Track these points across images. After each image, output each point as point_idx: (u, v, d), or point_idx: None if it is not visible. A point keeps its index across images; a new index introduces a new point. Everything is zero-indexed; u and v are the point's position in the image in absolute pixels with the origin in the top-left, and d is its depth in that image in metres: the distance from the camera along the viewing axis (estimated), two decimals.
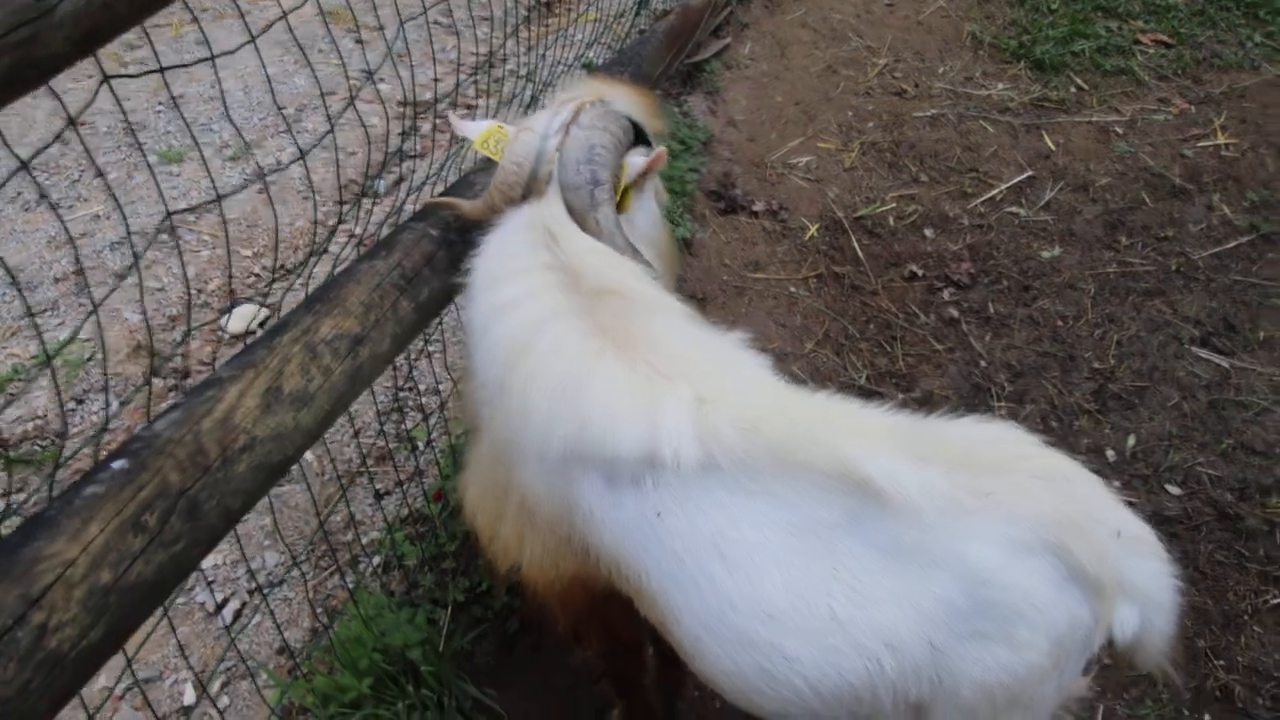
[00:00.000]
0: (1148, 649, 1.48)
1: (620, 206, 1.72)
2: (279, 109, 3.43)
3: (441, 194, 2.05)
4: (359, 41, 4.80)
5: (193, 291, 3.57)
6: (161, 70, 1.32)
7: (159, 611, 1.46)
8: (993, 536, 1.39)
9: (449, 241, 1.91)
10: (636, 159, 1.76)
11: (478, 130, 1.80)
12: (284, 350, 1.54)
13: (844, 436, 1.42)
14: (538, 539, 1.69)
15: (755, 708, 1.56)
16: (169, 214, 1.29)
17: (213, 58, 1.44)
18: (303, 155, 1.65)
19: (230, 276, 3.61)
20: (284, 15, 1.67)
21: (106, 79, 1.25)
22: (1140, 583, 1.46)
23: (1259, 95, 4.22)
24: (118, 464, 1.29)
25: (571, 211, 1.66)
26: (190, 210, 1.47)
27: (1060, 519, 1.39)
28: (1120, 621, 1.45)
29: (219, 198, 1.45)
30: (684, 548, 1.48)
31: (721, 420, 1.45)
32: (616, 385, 1.49)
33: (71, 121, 1.20)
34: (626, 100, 1.82)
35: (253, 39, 1.48)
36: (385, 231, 2.02)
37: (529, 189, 1.70)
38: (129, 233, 1.39)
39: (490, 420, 1.66)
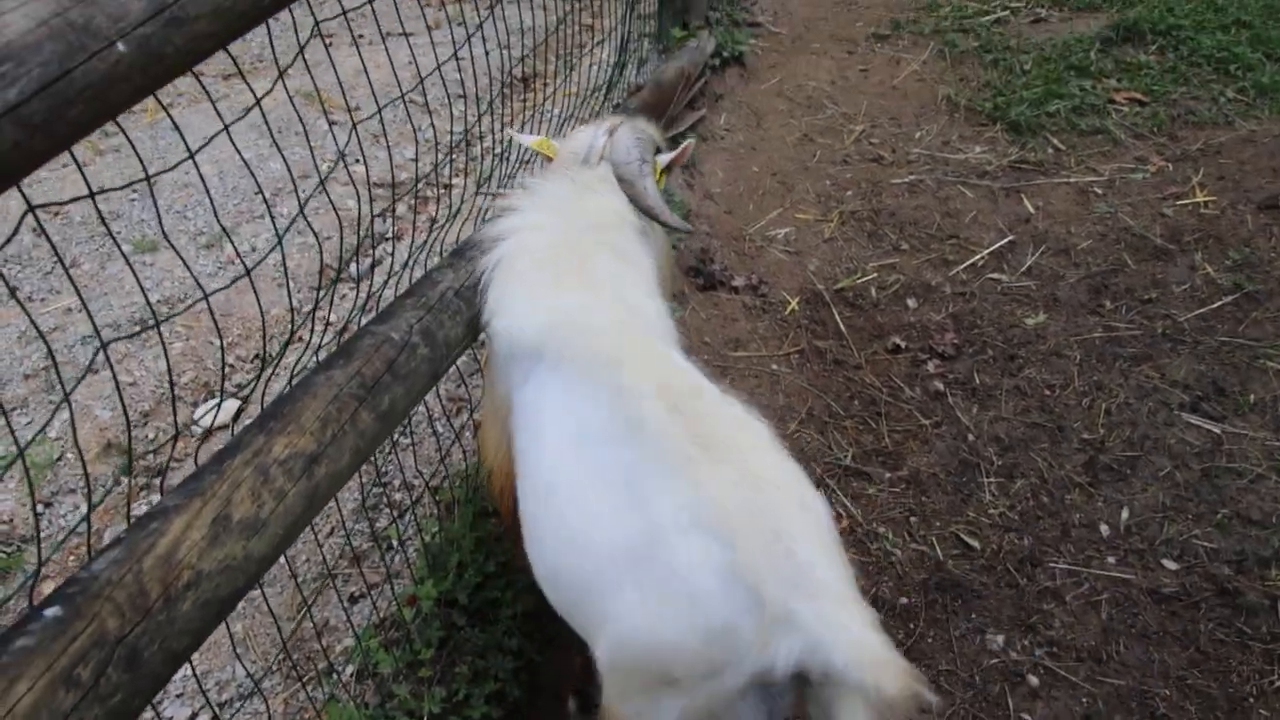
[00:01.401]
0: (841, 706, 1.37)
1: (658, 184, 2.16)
2: (258, 191, 3.39)
3: (403, 296, 2.00)
4: (333, 123, 4.79)
5: (165, 385, 3.51)
6: (92, 195, 1.27)
7: None
8: (685, 502, 1.46)
9: (411, 345, 1.86)
10: (663, 156, 2.22)
11: (532, 140, 2.29)
12: (234, 474, 1.47)
13: (636, 359, 1.66)
14: (496, 431, 2.01)
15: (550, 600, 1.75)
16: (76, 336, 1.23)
17: (192, 154, 1.40)
18: (278, 241, 1.60)
19: (228, 369, 3.55)
20: (257, 102, 1.63)
21: (31, 209, 1.20)
22: (808, 622, 1.36)
23: (1234, 151, 4.21)
24: (50, 612, 1.21)
25: (623, 182, 2.09)
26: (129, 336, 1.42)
27: (737, 515, 1.42)
28: (784, 653, 1.37)
29: (205, 295, 1.40)
30: (529, 423, 1.78)
31: (565, 326, 1.75)
32: (532, 286, 1.87)
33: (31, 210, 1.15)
34: (647, 124, 2.27)
35: (225, 127, 1.44)
36: (362, 319, 1.99)
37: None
38: (96, 330, 1.35)
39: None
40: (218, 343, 3.68)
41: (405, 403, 1.83)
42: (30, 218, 1.21)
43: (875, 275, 3.67)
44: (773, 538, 1.41)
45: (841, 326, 3.44)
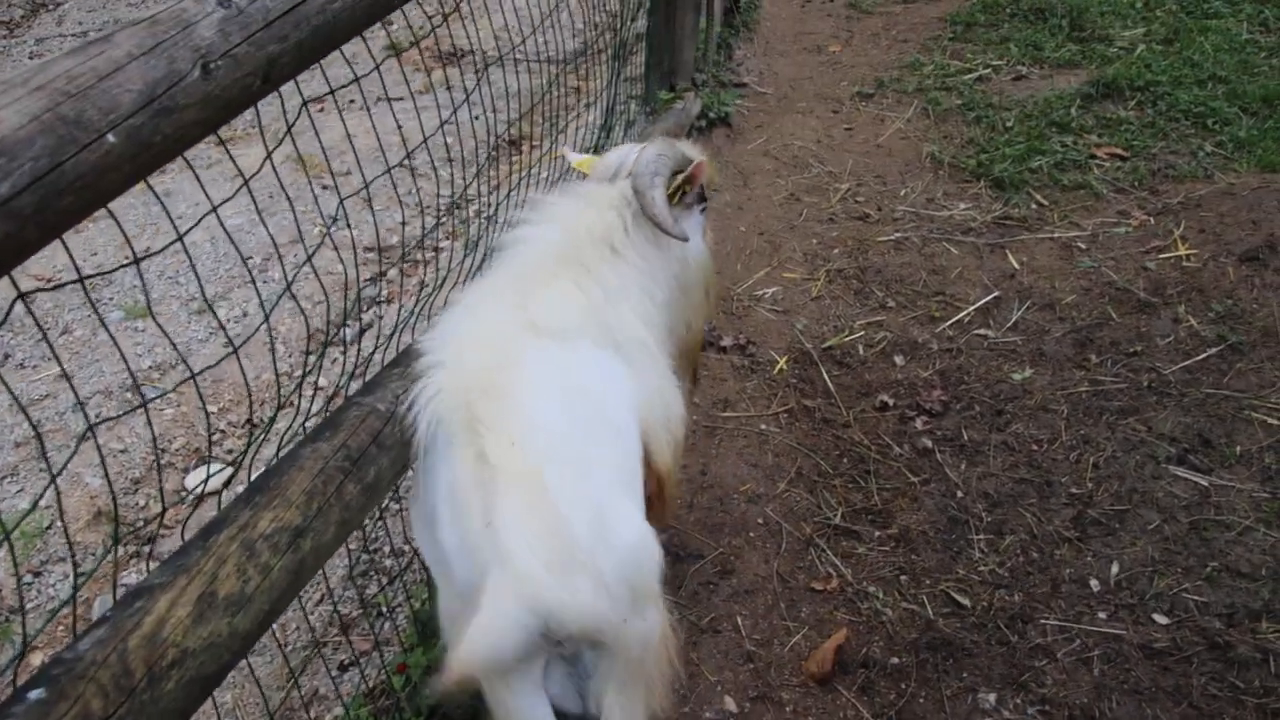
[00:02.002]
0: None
1: (670, 199, 2.28)
2: (249, 258, 3.42)
3: (389, 366, 2.02)
4: (325, 188, 4.84)
5: (156, 451, 3.51)
6: (81, 280, 1.29)
7: None
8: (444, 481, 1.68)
9: (397, 416, 1.88)
10: (680, 174, 2.33)
11: (579, 158, 2.50)
12: (220, 550, 1.48)
13: (460, 364, 1.79)
14: None
15: None
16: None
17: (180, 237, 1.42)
18: (265, 317, 1.62)
19: (217, 435, 3.55)
20: (245, 183, 1.66)
21: (21, 295, 1.22)
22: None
23: (1214, 204, 4.26)
24: (34, 694, 1.22)
25: (636, 194, 2.21)
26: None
27: (464, 492, 1.60)
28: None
29: (193, 375, 1.41)
30: None
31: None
32: (465, 306, 1.98)
33: (21, 296, 1.18)
34: (688, 147, 2.42)
35: (213, 208, 1.46)
36: (352, 384, 2.02)
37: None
38: (79, 401, 1.39)
39: None
40: (210, 408, 3.70)
41: (391, 473, 1.84)
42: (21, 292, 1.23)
43: (863, 333, 3.70)
44: (485, 514, 1.57)
45: (830, 385, 3.47)
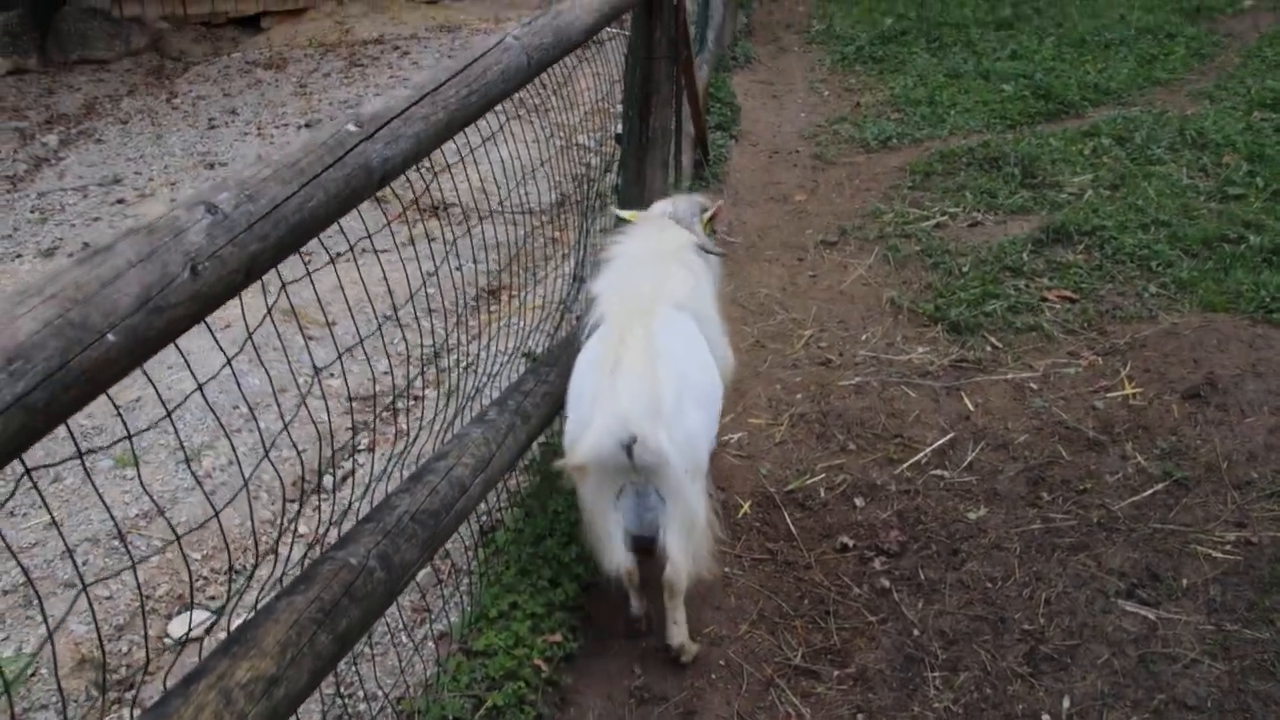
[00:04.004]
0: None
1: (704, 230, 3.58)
2: (235, 407, 3.53)
3: (363, 520, 2.17)
4: (312, 338, 5.04)
5: (140, 599, 3.61)
6: (80, 455, 1.45)
7: None
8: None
9: (368, 569, 2.02)
10: (706, 212, 3.63)
11: (625, 213, 3.58)
12: (199, 699, 1.61)
13: (621, 309, 2.92)
14: None
15: None
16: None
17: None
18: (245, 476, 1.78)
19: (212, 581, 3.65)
20: (250, 336, 1.83)
21: (28, 471, 1.38)
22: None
23: (1158, 344, 4.48)
24: None
25: (686, 229, 3.45)
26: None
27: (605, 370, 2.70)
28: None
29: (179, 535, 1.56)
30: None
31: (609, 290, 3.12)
32: (613, 271, 3.21)
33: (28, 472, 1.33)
34: (704, 198, 3.78)
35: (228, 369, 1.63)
36: (333, 531, 2.16)
37: None
38: (75, 564, 1.51)
39: None
40: (194, 555, 3.81)
41: (362, 624, 1.97)
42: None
43: (824, 476, 3.86)
44: (612, 372, 2.61)
45: (792, 528, 3.61)
